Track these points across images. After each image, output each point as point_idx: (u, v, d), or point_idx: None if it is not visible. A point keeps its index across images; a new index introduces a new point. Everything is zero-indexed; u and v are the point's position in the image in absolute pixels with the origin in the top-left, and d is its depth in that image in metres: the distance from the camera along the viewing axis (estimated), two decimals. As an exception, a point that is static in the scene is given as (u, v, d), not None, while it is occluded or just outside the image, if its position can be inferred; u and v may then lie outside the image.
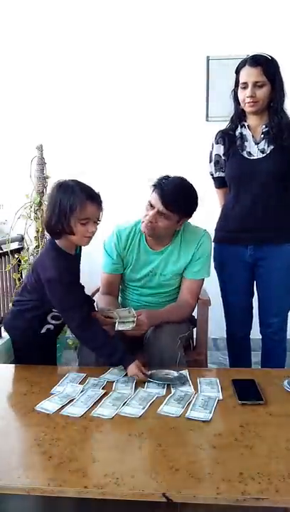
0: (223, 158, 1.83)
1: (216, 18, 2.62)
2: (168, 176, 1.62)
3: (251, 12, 2.58)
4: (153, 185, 1.60)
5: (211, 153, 1.89)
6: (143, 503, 0.91)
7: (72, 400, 1.26)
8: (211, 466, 0.97)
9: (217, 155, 1.85)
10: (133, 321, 1.46)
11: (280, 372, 1.44)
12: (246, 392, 1.27)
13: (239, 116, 1.78)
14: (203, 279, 1.77)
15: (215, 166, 1.88)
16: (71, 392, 1.30)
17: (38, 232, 2.54)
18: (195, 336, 1.91)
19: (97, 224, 1.42)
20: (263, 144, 1.73)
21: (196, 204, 1.65)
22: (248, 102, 1.67)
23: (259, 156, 1.73)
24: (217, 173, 1.88)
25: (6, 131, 2.83)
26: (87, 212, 1.36)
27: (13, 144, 2.79)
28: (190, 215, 1.66)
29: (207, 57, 2.66)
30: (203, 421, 1.14)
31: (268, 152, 1.72)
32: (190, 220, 1.71)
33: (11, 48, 2.78)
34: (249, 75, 1.64)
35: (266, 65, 1.63)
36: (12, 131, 2.81)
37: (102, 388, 1.33)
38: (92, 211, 1.37)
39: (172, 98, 2.73)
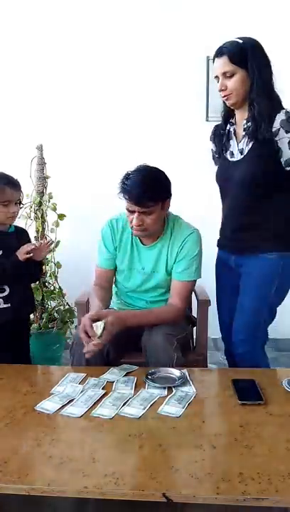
0: (216, 156, 1.74)
1: (216, 18, 2.62)
2: (128, 175, 1.59)
3: (251, 12, 2.57)
4: (120, 192, 1.57)
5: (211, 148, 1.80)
6: (143, 503, 0.91)
7: (72, 400, 1.26)
8: (211, 466, 0.97)
9: (213, 150, 1.76)
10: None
11: (280, 372, 1.44)
12: (246, 392, 1.27)
13: (226, 112, 1.65)
14: (191, 282, 1.69)
15: (213, 161, 1.78)
16: (71, 393, 1.30)
17: (38, 232, 2.54)
18: (194, 336, 1.91)
19: (21, 206, 1.72)
20: (243, 143, 1.57)
21: (165, 181, 1.61)
22: (222, 96, 1.54)
23: (237, 158, 1.59)
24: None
25: (6, 131, 2.83)
26: (7, 195, 1.61)
27: (13, 143, 2.79)
28: (167, 196, 1.62)
29: (207, 57, 2.65)
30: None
31: (246, 153, 1.56)
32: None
33: (11, 47, 2.78)
34: (216, 66, 1.52)
35: (233, 52, 1.47)
36: (12, 131, 2.81)
37: (102, 388, 1.33)
38: (11, 194, 1.62)
39: (172, 98, 2.73)
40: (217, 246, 1.81)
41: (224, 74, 1.50)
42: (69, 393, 1.30)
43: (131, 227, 1.63)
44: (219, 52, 1.51)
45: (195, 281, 1.72)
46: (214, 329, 1.91)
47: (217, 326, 1.86)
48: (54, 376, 1.47)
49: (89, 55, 2.74)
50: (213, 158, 1.77)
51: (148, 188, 1.54)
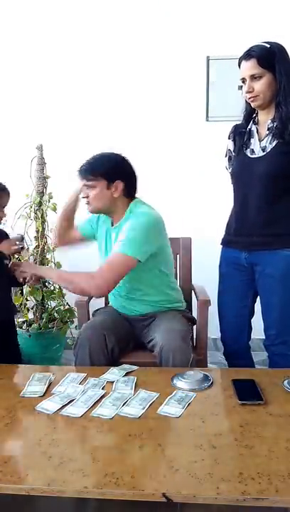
0: (233, 154, 1.74)
1: (216, 18, 2.62)
2: None
3: (251, 12, 2.58)
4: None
5: (227, 146, 1.80)
6: (143, 503, 0.91)
7: (72, 400, 1.26)
8: (211, 466, 0.97)
9: (229, 150, 1.77)
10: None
11: (280, 372, 1.43)
12: (246, 392, 1.27)
13: (249, 113, 1.70)
14: (122, 255, 1.55)
15: (228, 161, 1.79)
16: (72, 393, 1.30)
17: (38, 232, 2.53)
18: (195, 336, 1.91)
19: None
20: (265, 141, 1.61)
21: (114, 162, 1.68)
22: (249, 98, 1.60)
23: (259, 155, 1.62)
24: (230, 168, 1.77)
25: (6, 131, 2.83)
26: (4, 200, 1.69)
27: (13, 143, 2.79)
28: (114, 177, 1.64)
29: (207, 57, 2.66)
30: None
31: (268, 150, 1.60)
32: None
33: (11, 47, 2.78)
34: (244, 69, 1.57)
35: (261, 55, 1.54)
36: (12, 131, 2.81)
37: (102, 388, 1.33)
38: (5, 199, 1.71)
39: (172, 98, 2.73)
40: (223, 244, 1.80)
41: (252, 76, 1.56)
42: (70, 393, 1.30)
43: None
44: (247, 55, 1.56)
45: (127, 258, 1.55)
46: (214, 329, 1.91)
47: (218, 326, 1.86)
48: (54, 376, 1.47)
49: (89, 56, 2.74)
50: (229, 159, 1.77)
51: (91, 164, 1.67)
